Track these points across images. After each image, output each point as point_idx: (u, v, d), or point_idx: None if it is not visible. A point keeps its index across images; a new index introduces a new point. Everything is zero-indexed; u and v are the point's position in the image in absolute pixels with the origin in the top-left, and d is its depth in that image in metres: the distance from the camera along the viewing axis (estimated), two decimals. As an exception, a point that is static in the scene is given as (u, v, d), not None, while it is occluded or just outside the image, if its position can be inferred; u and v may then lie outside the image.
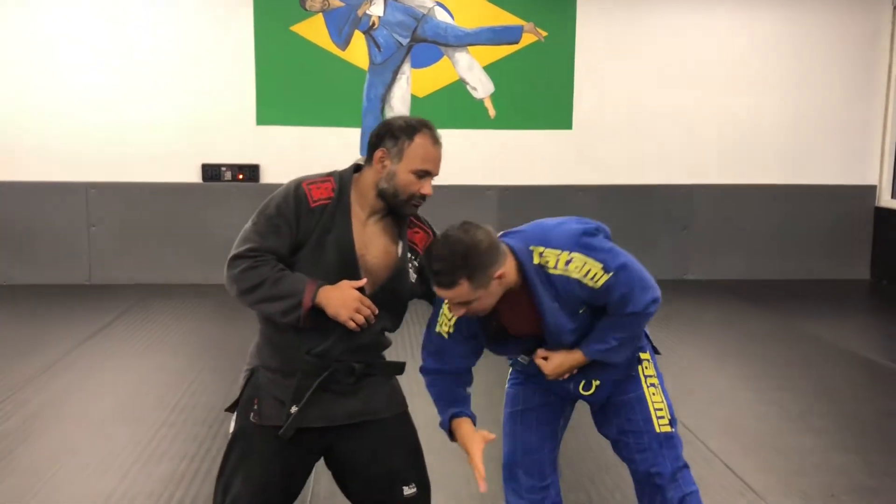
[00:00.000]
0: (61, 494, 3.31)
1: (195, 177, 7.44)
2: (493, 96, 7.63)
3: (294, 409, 2.11)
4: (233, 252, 2.12)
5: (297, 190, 2.14)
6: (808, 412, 4.39)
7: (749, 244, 7.99)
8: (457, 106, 7.58)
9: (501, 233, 2.23)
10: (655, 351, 2.45)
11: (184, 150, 7.39)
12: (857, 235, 8.04)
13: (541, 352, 2.25)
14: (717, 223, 7.96)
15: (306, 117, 7.38)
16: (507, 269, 2.10)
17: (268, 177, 7.42)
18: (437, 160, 2.17)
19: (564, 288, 2.12)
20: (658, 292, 2.18)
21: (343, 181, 2.19)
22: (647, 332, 2.43)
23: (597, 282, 2.09)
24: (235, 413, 2.22)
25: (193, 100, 7.38)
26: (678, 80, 7.79)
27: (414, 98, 7.52)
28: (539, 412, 2.40)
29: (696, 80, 7.80)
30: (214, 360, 5.11)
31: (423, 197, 2.18)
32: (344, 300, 2.08)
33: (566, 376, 2.28)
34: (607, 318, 2.18)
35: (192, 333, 5.84)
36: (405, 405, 2.31)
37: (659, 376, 2.39)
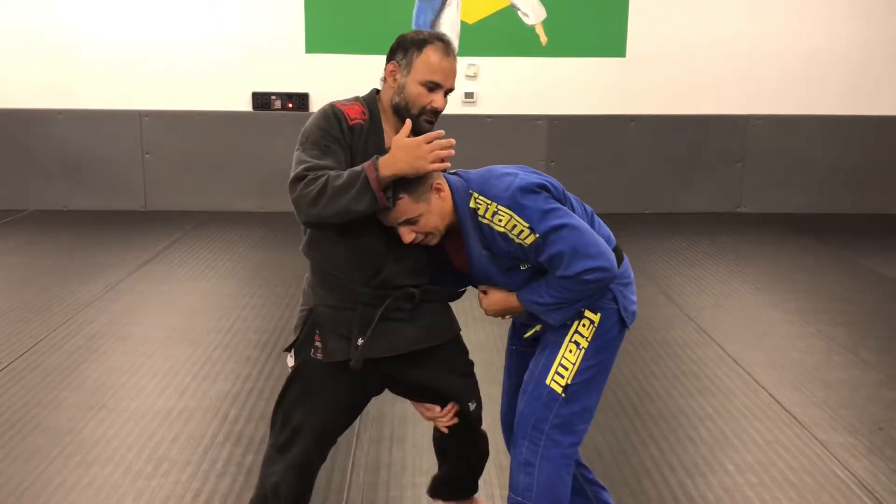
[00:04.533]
0: (125, 408, 3.48)
1: (245, 105, 7.48)
2: (546, 23, 7.45)
3: (360, 340, 2.13)
4: (290, 177, 2.06)
5: (333, 110, 2.13)
6: (859, 346, 4.33)
7: (806, 177, 7.78)
8: (507, 33, 7.41)
9: (451, 171, 2.16)
10: (624, 323, 2.17)
11: (234, 78, 7.43)
12: (920, 169, 7.78)
13: (483, 286, 2.21)
14: (773, 155, 7.75)
15: (355, 45, 7.32)
16: (446, 191, 2.07)
17: (317, 105, 7.40)
18: (447, 72, 2.12)
19: (491, 239, 2.05)
20: (601, 262, 1.99)
21: (370, 104, 2.18)
22: (625, 299, 2.16)
23: (524, 239, 2.01)
24: (293, 350, 2.24)
25: (243, 28, 7.38)
26: (738, 6, 7.50)
27: (463, 24, 7.39)
28: (509, 369, 2.38)
29: (757, 6, 7.50)
30: (266, 286, 5.23)
31: (435, 111, 2.13)
32: (411, 151, 1.99)
33: (505, 318, 2.23)
34: (546, 275, 2.08)
35: (244, 260, 5.97)
36: (459, 329, 2.34)
37: (595, 347, 2.13)
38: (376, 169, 1.98)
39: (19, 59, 7.33)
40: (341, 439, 3.16)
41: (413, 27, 7.30)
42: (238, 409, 3.48)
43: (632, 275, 2.25)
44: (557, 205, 2.04)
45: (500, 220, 2.01)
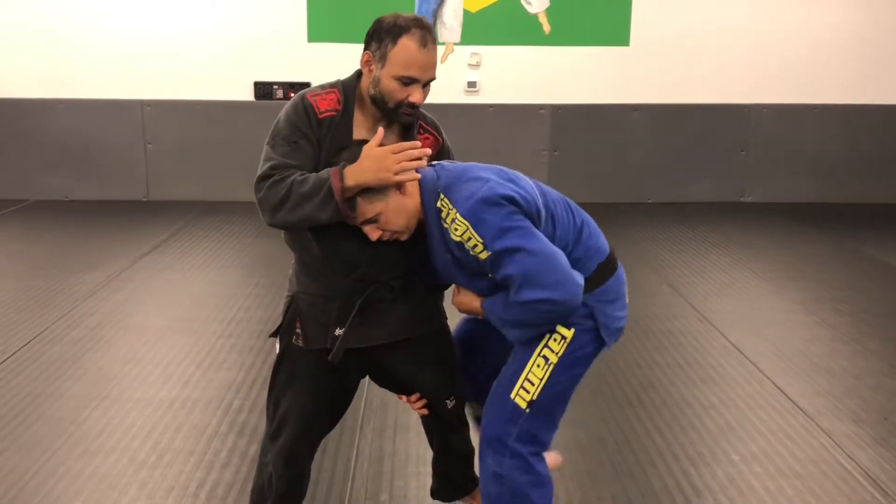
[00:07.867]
0: (127, 398, 3.47)
1: (247, 95, 7.46)
2: (549, 11, 7.41)
3: (339, 331, 2.10)
4: (257, 175, 2.01)
5: (304, 102, 2.06)
6: (863, 335, 4.32)
7: (810, 166, 7.76)
8: (510, 21, 7.37)
9: (434, 162, 2.10)
10: (602, 342, 2.05)
11: (236, 68, 7.40)
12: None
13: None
14: (777, 144, 7.72)
15: (358, 34, 7.22)
16: (411, 187, 1.99)
17: (319, 95, 7.39)
18: (424, 66, 2.00)
19: (450, 244, 1.96)
20: (555, 294, 1.87)
21: (347, 91, 2.09)
22: (607, 317, 2.04)
23: (479, 253, 1.91)
24: (279, 336, 2.24)
25: (245, 17, 7.35)
26: (742, -7, 7.47)
27: (466, 13, 7.35)
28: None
29: (762, -8, 7.47)
30: (268, 276, 5.22)
31: (413, 105, 2.03)
32: (377, 161, 1.92)
33: (480, 317, 2.17)
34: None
35: (247, 249, 5.96)
36: (444, 319, 2.32)
37: (566, 364, 2.02)
38: (342, 179, 1.93)
39: (20, 48, 7.31)
40: (345, 429, 3.16)
41: (415, 16, 7.26)
42: (241, 399, 3.48)
43: (623, 289, 2.11)
44: (520, 222, 1.90)
45: (457, 230, 1.91)
